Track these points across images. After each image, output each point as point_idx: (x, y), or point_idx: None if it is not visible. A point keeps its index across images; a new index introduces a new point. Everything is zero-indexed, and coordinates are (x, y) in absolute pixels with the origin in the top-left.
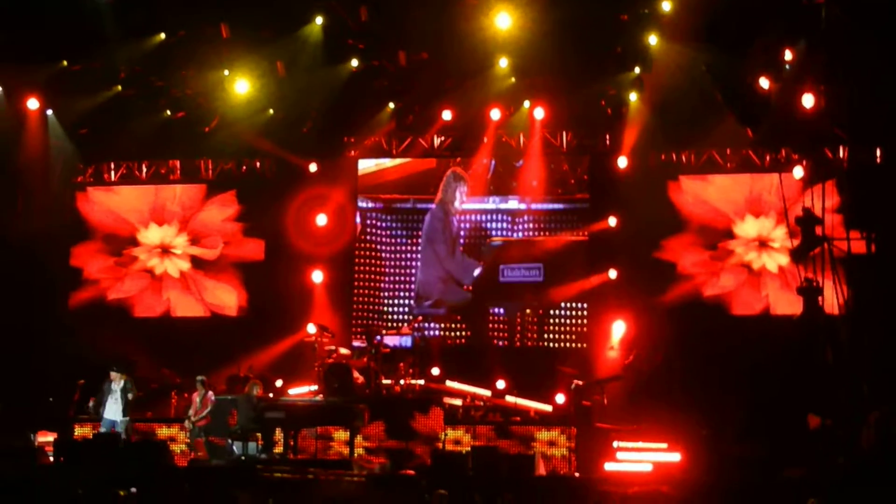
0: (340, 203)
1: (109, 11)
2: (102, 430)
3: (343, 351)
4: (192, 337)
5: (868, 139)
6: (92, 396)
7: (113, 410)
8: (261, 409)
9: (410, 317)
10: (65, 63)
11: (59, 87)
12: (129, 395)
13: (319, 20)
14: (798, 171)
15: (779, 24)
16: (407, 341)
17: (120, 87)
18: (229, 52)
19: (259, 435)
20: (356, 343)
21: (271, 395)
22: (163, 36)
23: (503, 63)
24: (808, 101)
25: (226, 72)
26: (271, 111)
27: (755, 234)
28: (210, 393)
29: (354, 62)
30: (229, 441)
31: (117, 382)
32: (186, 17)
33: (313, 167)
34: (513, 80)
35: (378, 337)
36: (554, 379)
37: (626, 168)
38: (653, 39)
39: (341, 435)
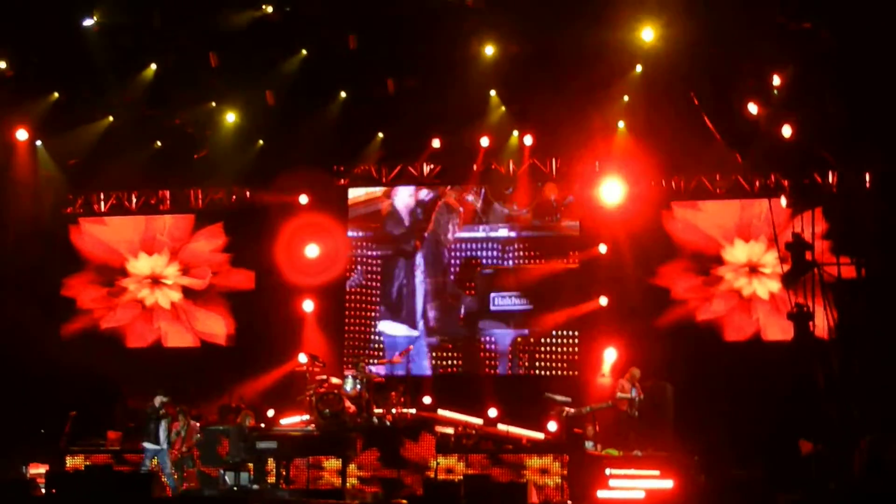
0: (331, 232)
1: (98, 42)
2: (147, 461)
3: (334, 380)
4: (183, 367)
5: (857, 164)
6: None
7: (164, 438)
8: (252, 439)
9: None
10: (55, 95)
11: (49, 117)
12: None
13: (307, 50)
14: (783, 201)
15: (766, 50)
16: (399, 370)
17: (111, 118)
18: (218, 82)
19: (251, 465)
20: (347, 373)
21: (263, 425)
22: (153, 66)
23: (491, 90)
24: (790, 130)
25: (213, 104)
26: (261, 142)
27: (745, 259)
28: (194, 423)
29: (343, 91)
30: (221, 471)
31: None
32: (175, 47)
33: (304, 199)
34: (503, 108)
35: (369, 367)
36: (545, 407)
37: (615, 195)
38: (640, 67)
39: (333, 464)
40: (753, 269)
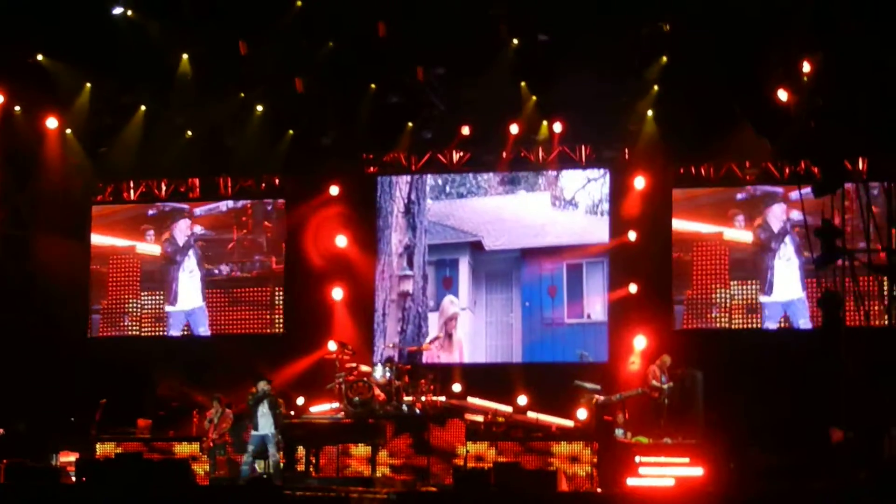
0: (360, 219)
1: (129, 31)
2: (251, 448)
3: (364, 368)
4: (212, 355)
5: (889, 149)
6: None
7: (264, 424)
8: (283, 427)
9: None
10: (88, 85)
11: (79, 105)
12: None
13: (337, 38)
14: (810, 189)
15: (795, 35)
16: (429, 358)
17: (143, 108)
18: (248, 70)
19: (280, 453)
20: (377, 360)
21: (293, 412)
22: (185, 57)
23: (522, 82)
24: (819, 117)
25: (242, 94)
26: (290, 131)
27: (774, 245)
28: (228, 410)
29: (372, 79)
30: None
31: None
32: (205, 35)
33: (334, 190)
34: (533, 98)
35: (399, 354)
36: (575, 394)
37: (644, 181)
38: (668, 55)
39: (363, 452)
40: (782, 256)
